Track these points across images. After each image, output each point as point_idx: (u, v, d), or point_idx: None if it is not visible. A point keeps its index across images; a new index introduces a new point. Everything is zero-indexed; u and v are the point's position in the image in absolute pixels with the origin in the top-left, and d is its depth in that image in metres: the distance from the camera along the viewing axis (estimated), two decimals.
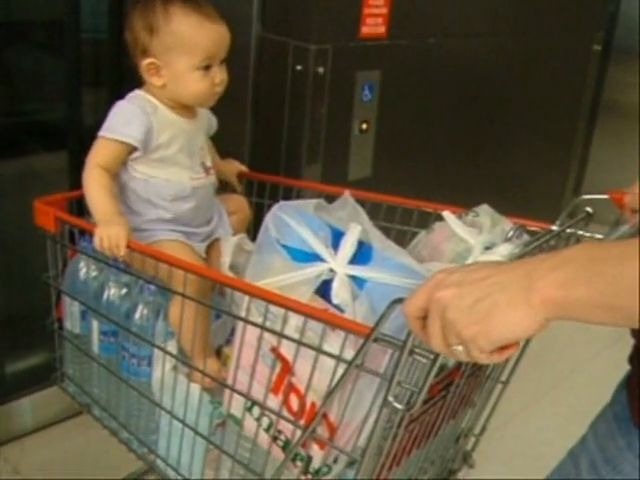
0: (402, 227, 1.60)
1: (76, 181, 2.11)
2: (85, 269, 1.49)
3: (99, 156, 1.43)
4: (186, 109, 1.54)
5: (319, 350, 1.10)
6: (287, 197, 1.76)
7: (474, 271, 0.81)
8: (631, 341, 1.04)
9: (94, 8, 2.12)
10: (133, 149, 1.44)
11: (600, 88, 3.71)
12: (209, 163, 1.60)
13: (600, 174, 3.76)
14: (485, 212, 1.41)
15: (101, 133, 1.45)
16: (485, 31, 2.69)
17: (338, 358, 1.08)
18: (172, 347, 1.38)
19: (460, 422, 1.46)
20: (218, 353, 1.46)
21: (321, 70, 2.17)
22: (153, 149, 1.46)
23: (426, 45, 2.49)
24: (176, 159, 1.50)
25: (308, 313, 1.10)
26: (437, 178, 2.71)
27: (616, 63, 3.76)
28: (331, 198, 1.63)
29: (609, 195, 1.36)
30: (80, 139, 2.14)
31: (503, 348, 0.80)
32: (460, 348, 0.81)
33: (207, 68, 1.46)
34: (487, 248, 1.28)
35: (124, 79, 2.15)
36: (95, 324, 1.48)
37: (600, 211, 1.35)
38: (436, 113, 2.65)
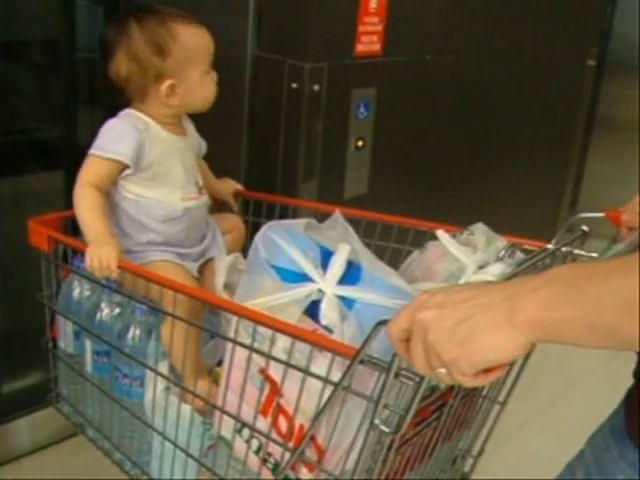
0: (398, 246, 1.60)
1: (71, 200, 2.14)
2: (79, 289, 1.49)
3: (90, 174, 1.43)
4: (178, 127, 1.55)
5: (306, 372, 1.10)
6: (283, 216, 1.76)
7: (457, 292, 0.80)
8: (628, 356, 1.03)
9: (90, 27, 2.13)
10: (124, 167, 1.44)
11: (595, 102, 3.71)
12: (201, 182, 1.60)
13: (596, 188, 3.76)
14: (480, 231, 1.40)
15: (92, 151, 1.45)
16: (480, 48, 2.70)
17: (325, 380, 1.08)
18: (164, 368, 1.37)
19: (456, 444, 1.45)
20: (211, 372, 1.46)
21: (317, 88, 2.18)
22: (145, 167, 1.46)
23: (421, 62, 2.49)
24: (168, 177, 1.50)
25: (295, 334, 1.09)
26: (433, 194, 2.71)
27: (611, 78, 3.77)
28: (328, 216, 1.64)
29: (606, 214, 1.36)
30: (76, 158, 2.13)
31: (488, 371, 0.79)
32: (443, 371, 0.80)
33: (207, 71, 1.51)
34: (481, 267, 1.27)
35: (119, 99, 2.15)
36: (88, 344, 1.47)
37: (599, 227, 1.34)
38: (432, 130, 2.65)
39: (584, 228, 1.29)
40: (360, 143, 2.37)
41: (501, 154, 3.03)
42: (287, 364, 1.12)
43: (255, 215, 1.81)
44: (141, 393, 1.42)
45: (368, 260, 1.18)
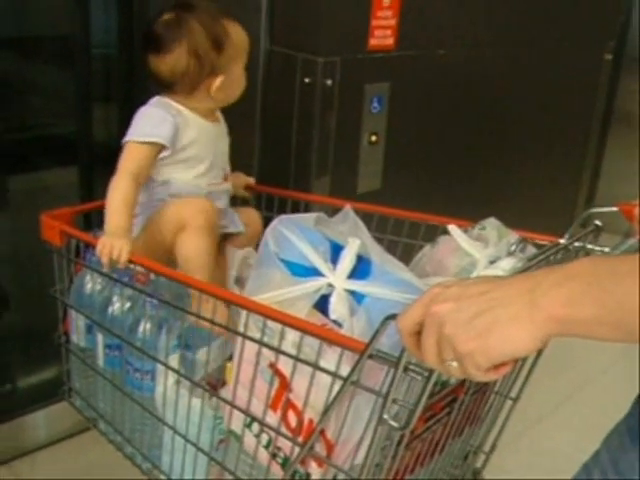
0: (409, 240, 1.60)
1: (86, 195, 2.16)
2: (91, 283, 1.50)
3: (129, 161, 1.46)
4: (211, 113, 1.60)
5: (315, 366, 1.09)
6: (295, 210, 1.76)
7: (472, 285, 0.79)
8: None
9: (104, 24, 2.14)
10: (162, 149, 1.48)
11: (612, 98, 3.67)
12: (228, 169, 1.65)
13: (613, 185, 3.72)
14: (492, 225, 1.40)
15: (128, 138, 1.48)
16: (495, 42, 2.69)
17: (334, 374, 1.07)
18: (174, 362, 1.38)
19: (468, 439, 1.44)
20: (222, 368, 1.46)
21: (330, 82, 2.18)
22: (179, 150, 1.51)
23: (435, 56, 2.48)
24: (198, 161, 1.55)
25: (304, 329, 1.09)
26: (447, 190, 2.69)
27: (628, 73, 3.73)
28: (340, 211, 1.64)
29: (619, 207, 1.34)
30: (90, 154, 2.16)
31: (498, 366, 0.78)
32: (455, 364, 0.79)
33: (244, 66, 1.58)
34: (492, 262, 1.26)
35: (134, 94, 2.16)
36: (100, 338, 1.48)
37: (614, 222, 1.33)
38: (446, 124, 2.64)
39: (597, 223, 1.28)
40: (373, 138, 2.37)
41: (516, 150, 3.02)
42: (296, 358, 1.12)
43: (267, 210, 1.81)
44: (152, 387, 1.42)
45: (378, 254, 1.17)
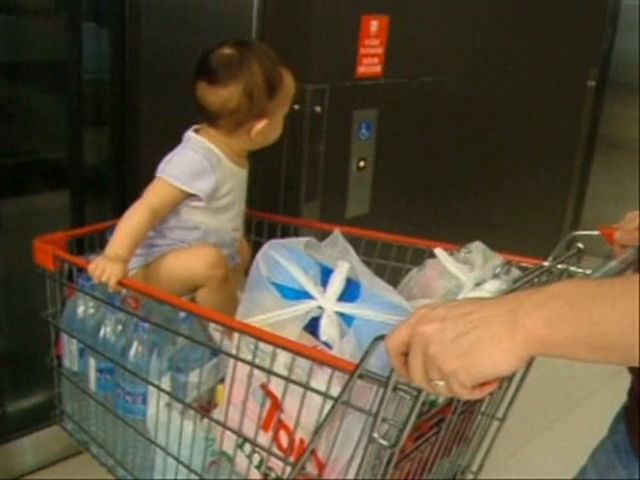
0: (397, 264, 1.62)
1: (77, 219, 2.17)
2: (83, 307, 1.52)
3: (156, 197, 1.49)
4: (242, 158, 1.61)
5: (306, 387, 1.11)
6: (285, 235, 1.79)
7: (458, 306, 0.82)
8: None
9: (97, 49, 2.17)
10: (193, 197, 1.51)
11: (596, 123, 3.73)
12: None
13: (598, 208, 3.76)
14: (477, 249, 1.43)
15: (164, 177, 1.49)
16: (480, 69, 2.74)
17: (325, 395, 1.09)
18: (165, 384, 1.39)
19: (455, 459, 1.46)
20: (213, 390, 1.47)
21: (318, 109, 2.21)
22: (215, 200, 1.54)
23: (422, 84, 2.52)
24: (230, 208, 1.59)
25: (295, 350, 1.11)
26: (434, 214, 2.73)
27: (612, 97, 3.78)
28: (329, 236, 1.67)
29: (600, 231, 1.37)
30: (81, 178, 2.18)
31: (484, 384, 0.80)
32: (441, 383, 0.81)
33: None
34: (478, 284, 1.29)
35: (126, 119, 2.19)
36: (92, 362, 1.50)
37: (597, 245, 1.36)
38: (433, 150, 2.68)
39: (579, 245, 1.31)
40: (362, 163, 2.40)
41: (502, 175, 3.06)
42: (288, 379, 1.13)
43: (257, 235, 1.83)
44: (143, 410, 1.43)
45: (367, 277, 1.20)
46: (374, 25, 2.30)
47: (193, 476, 1.36)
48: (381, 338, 0.95)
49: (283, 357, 1.15)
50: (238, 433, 1.24)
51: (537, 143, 3.19)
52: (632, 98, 3.67)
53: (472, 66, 2.69)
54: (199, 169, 1.50)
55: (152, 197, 1.48)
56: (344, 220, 2.37)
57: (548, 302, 0.74)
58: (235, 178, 1.58)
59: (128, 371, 1.41)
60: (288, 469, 1.18)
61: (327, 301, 1.18)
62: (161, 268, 1.54)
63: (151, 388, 1.40)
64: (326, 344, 1.16)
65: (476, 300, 0.84)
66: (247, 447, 1.25)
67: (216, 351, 1.28)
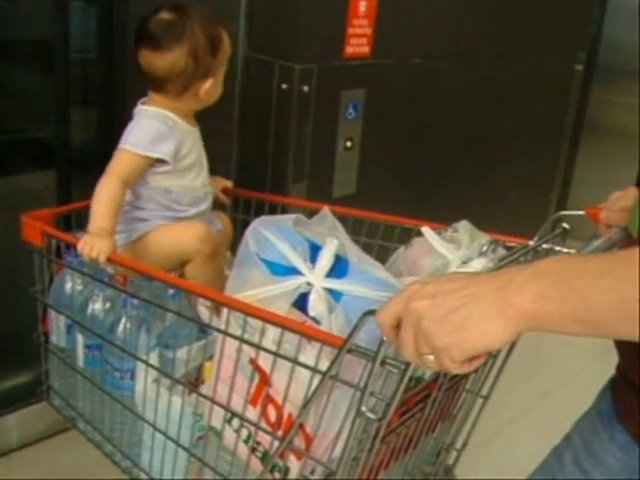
0: (384, 243, 1.63)
1: (64, 198, 2.16)
2: (71, 283, 1.52)
3: (121, 168, 1.50)
4: (191, 117, 1.64)
5: (295, 361, 1.12)
6: (272, 214, 1.79)
7: (448, 282, 0.83)
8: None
9: (83, 28, 2.15)
10: (158, 162, 1.53)
11: (583, 107, 3.75)
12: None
13: (584, 192, 3.78)
14: (464, 228, 1.44)
15: (126, 147, 1.51)
16: (468, 52, 2.74)
17: (314, 369, 1.10)
18: (154, 360, 1.40)
19: (440, 436, 1.47)
20: (200, 368, 1.48)
21: (306, 89, 2.21)
22: (178, 160, 1.56)
23: (409, 65, 2.53)
24: (193, 167, 1.61)
25: (284, 325, 1.12)
26: (420, 194, 2.74)
27: (599, 83, 3.79)
28: (315, 215, 1.67)
29: (585, 211, 1.39)
30: (68, 157, 2.17)
31: (472, 359, 0.82)
32: (431, 357, 0.82)
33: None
34: (464, 263, 1.30)
35: (112, 98, 2.18)
36: (80, 338, 1.50)
37: (580, 228, 1.38)
38: (419, 131, 2.69)
39: (565, 225, 1.32)
40: (349, 144, 2.41)
41: (488, 156, 3.07)
42: (276, 354, 1.14)
43: (245, 213, 1.84)
44: (131, 386, 1.44)
45: (355, 254, 1.21)
46: (363, 5, 2.30)
47: (181, 451, 1.37)
48: (370, 313, 0.96)
49: (272, 332, 1.16)
50: (226, 408, 1.25)
51: (524, 127, 3.20)
52: (619, 84, 3.68)
53: (460, 49, 2.70)
54: (158, 134, 1.53)
55: (117, 168, 1.50)
56: (331, 200, 2.38)
57: (536, 279, 0.76)
58: (191, 137, 1.62)
59: (116, 347, 1.41)
60: (276, 443, 1.19)
61: (316, 277, 1.18)
62: (149, 244, 1.56)
63: (139, 364, 1.40)
64: (314, 320, 1.17)
65: (465, 276, 0.85)
66: (235, 422, 1.26)
67: (205, 327, 1.29)
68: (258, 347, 1.17)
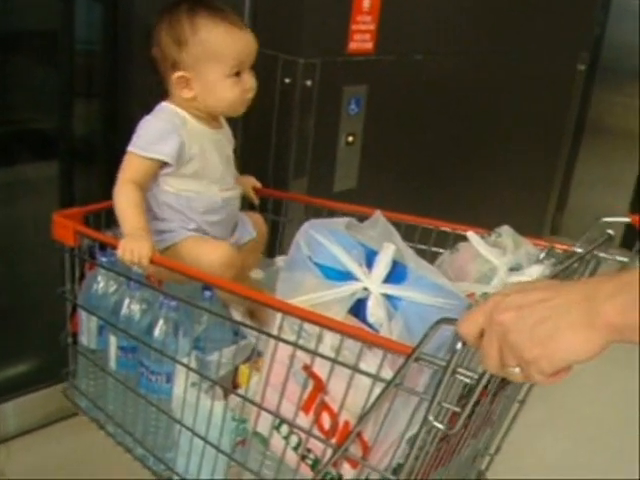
0: (421, 246, 1.60)
1: (66, 190, 2.13)
2: (103, 283, 1.48)
3: (130, 172, 1.44)
4: (213, 120, 1.56)
5: (356, 369, 1.11)
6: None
7: (531, 292, 0.83)
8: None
9: (88, 19, 2.11)
10: (165, 165, 1.46)
11: (585, 107, 3.76)
12: (236, 173, 1.64)
13: (585, 193, 3.81)
14: (507, 233, 1.43)
15: (131, 149, 1.45)
16: (472, 49, 2.75)
17: (375, 377, 1.09)
18: (192, 363, 1.37)
19: (479, 442, 1.48)
20: (236, 370, 1.46)
21: (309, 83, 2.20)
22: (185, 163, 1.48)
23: (412, 61, 2.53)
24: (206, 171, 1.52)
25: (346, 332, 1.10)
26: (421, 191, 2.75)
27: (602, 84, 3.81)
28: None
29: (631, 218, 1.39)
30: (71, 149, 2.14)
31: (559, 370, 0.81)
32: (517, 370, 0.83)
33: (237, 75, 1.49)
34: (511, 269, 1.30)
35: (116, 90, 2.14)
36: (113, 339, 1.46)
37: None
38: (421, 128, 2.69)
39: (609, 232, 1.33)
40: (350, 139, 2.40)
41: (489, 155, 3.09)
42: (335, 361, 1.12)
43: (274, 214, 1.83)
44: (167, 389, 1.41)
45: (413, 260, 1.20)
46: (366, 1, 2.29)
47: (220, 456, 1.35)
48: (444, 321, 0.96)
49: (329, 338, 1.14)
50: (276, 414, 1.23)
51: (525, 125, 3.22)
52: (622, 85, 3.71)
53: (463, 46, 2.71)
54: (159, 133, 1.46)
55: (126, 173, 1.44)
56: (331, 194, 2.37)
57: (624, 290, 0.76)
58: (206, 139, 1.52)
59: (155, 350, 1.38)
60: (329, 451, 1.18)
61: (373, 282, 1.17)
62: (175, 258, 1.48)
63: (178, 367, 1.37)
64: (371, 326, 1.16)
65: (547, 285, 0.85)
66: (284, 428, 1.25)
67: (260, 332, 1.26)
68: (315, 354, 1.15)
